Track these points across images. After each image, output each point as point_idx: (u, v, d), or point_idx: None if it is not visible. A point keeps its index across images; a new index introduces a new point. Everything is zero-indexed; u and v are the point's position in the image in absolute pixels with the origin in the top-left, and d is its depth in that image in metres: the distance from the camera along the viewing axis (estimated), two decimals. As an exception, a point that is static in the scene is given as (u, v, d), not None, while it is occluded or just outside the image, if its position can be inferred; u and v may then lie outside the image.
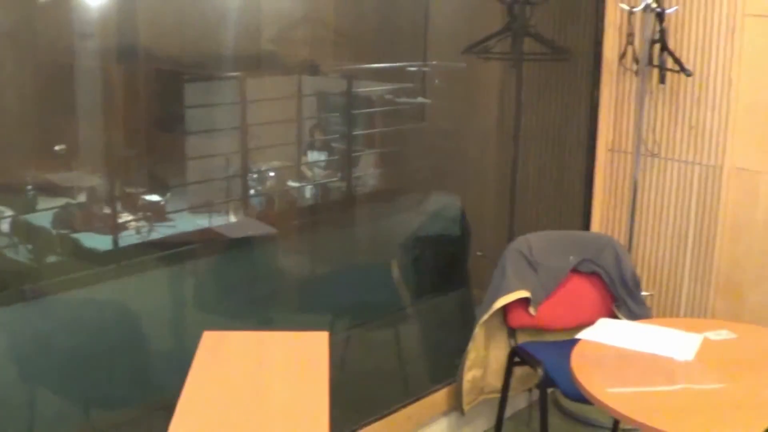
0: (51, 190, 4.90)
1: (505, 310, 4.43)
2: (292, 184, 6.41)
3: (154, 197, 5.50)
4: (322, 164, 6.15)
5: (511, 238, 4.91)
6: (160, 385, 4.29)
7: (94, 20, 4.74)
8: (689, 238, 4.88)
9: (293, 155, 6.12)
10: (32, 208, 4.86)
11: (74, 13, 4.67)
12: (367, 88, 5.88)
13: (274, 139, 5.88)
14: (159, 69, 5.13)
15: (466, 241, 5.35)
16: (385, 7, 5.72)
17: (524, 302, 4.40)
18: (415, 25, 5.65)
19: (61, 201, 4.83)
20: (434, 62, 5.63)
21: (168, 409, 4.00)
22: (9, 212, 4.69)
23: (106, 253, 4.81)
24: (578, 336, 3.69)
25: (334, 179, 6.17)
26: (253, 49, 5.47)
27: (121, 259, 4.89)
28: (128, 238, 5.06)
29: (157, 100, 5.22)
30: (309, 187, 6.06)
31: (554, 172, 5.29)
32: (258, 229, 5.17)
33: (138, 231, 5.49)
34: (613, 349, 3.53)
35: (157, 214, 5.64)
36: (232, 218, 5.57)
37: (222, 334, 3.15)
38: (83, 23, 4.69)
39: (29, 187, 4.89)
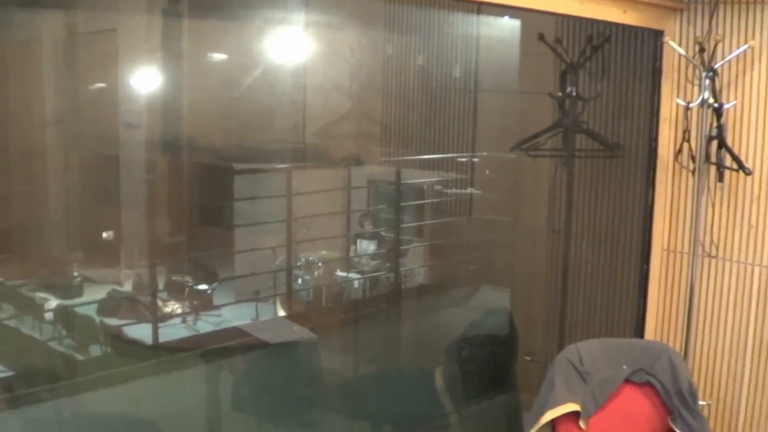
0: (97, 278, 4.90)
1: (553, 423, 4.08)
2: (340, 273, 6.21)
3: (200, 287, 5.52)
4: (367, 257, 6.03)
5: (561, 341, 4.64)
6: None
7: (141, 110, 4.66)
8: (749, 343, 4.50)
9: (339, 247, 6.16)
10: (78, 296, 4.84)
11: (122, 103, 4.60)
12: (415, 180, 5.77)
13: (321, 232, 5.83)
14: (204, 162, 5.11)
15: (513, 343, 5.10)
16: (434, 100, 5.54)
17: (574, 415, 4.05)
18: (464, 117, 5.47)
19: (107, 289, 4.88)
20: (484, 153, 5.54)
21: None
22: (54, 301, 4.64)
23: (148, 347, 4.68)
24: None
25: (381, 272, 6.06)
26: (298, 143, 5.43)
27: (162, 354, 4.75)
28: (172, 330, 5.01)
29: (202, 193, 5.26)
30: (355, 280, 5.98)
31: (607, 273, 4.98)
32: (296, 334, 4.93)
33: (184, 321, 5.40)
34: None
35: (203, 305, 5.52)
36: (272, 315, 5.50)
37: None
38: (130, 113, 4.65)
39: (75, 274, 4.84)
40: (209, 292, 5.49)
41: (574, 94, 4.58)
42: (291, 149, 5.46)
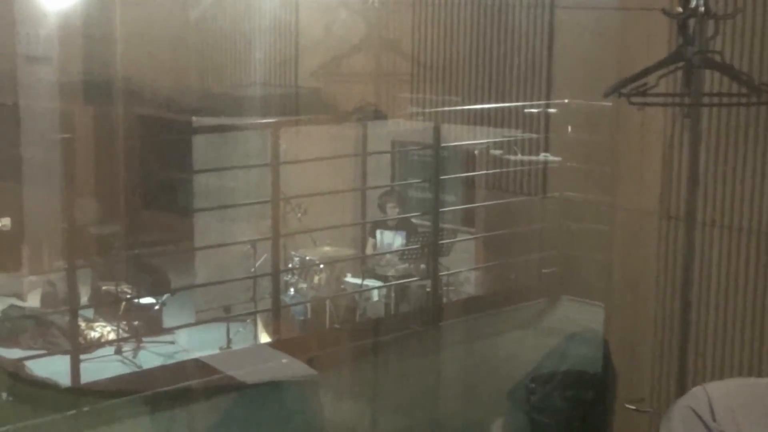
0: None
1: (673, 507, 3.77)
2: (352, 280, 6.18)
3: (143, 301, 5.47)
4: (393, 257, 6.04)
5: (682, 381, 4.46)
6: None
7: (48, 37, 4.37)
8: None
9: (350, 242, 6.12)
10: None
11: (21, 24, 4.35)
12: (462, 141, 5.67)
13: (323, 218, 5.72)
14: (148, 115, 4.99)
15: (609, 384, 4.93)
16: (490, 19, 5.41)
17: (703, 497, 3.73)
18: (535, 46, 5.40)
19: (1, 304, 4.91)
20: (565, 100, 5.40)
21: None
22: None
23: (64, 391, 4.46)
24: None
25: (413, 278, 5.98)
26: (288, 87, 5.28)
27: (86, 401, 4.50)
28: (100, 366, 4.94)
29: (146, 161, 5.18)
30: (374, 290, 5.97)
31: (752, 278, 4.74)
32: (286, 369, 4.76)
33: (119, 351, 5.30)
34: None
35: (147, 327, 5.45)
36: (251, 342, 5.48)
37: None
38: (32, 41, 4.39)
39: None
40: (157, 307, 5.45)
41: (701, 9, 4.23)
42: (277, 96, 5.30)
